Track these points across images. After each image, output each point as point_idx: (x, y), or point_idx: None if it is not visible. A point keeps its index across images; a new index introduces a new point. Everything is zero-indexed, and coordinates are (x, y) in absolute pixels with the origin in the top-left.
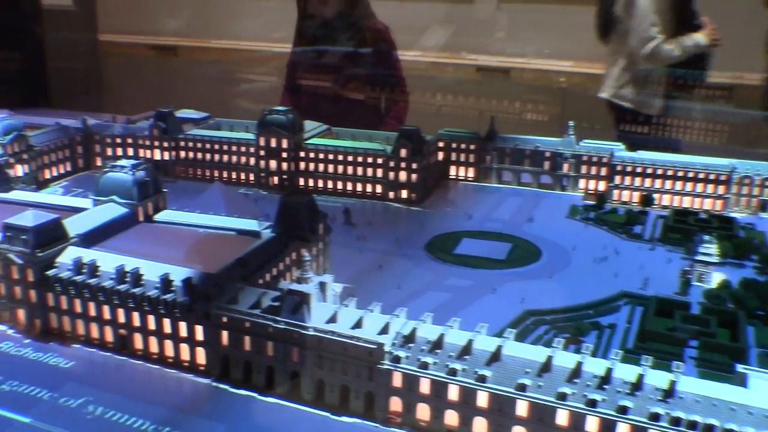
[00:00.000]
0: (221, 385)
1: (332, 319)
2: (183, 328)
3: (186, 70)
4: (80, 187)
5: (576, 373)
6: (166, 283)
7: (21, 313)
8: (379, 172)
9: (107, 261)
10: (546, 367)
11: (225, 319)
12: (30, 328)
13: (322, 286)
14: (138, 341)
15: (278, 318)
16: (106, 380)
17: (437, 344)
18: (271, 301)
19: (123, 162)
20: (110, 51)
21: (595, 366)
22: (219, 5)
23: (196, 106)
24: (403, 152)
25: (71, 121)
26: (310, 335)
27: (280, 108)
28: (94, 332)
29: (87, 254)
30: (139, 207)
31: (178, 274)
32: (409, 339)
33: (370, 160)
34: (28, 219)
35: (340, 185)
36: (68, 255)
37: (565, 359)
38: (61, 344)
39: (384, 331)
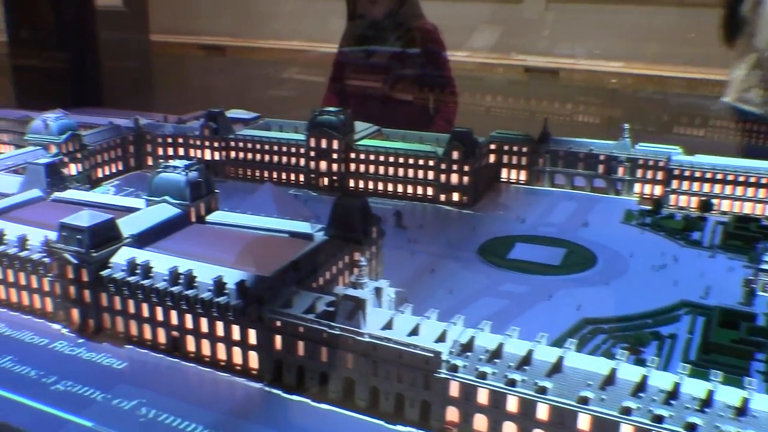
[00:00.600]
0: (274, 390)
1: (388, 326)
2: (236, 332)
3: (234, 69)
4: (131, 186)
5: (641, 386)
6: (219, 285)
7: (75, 313)
8: (431, 175)
9: (160, 262)
10: (609, 379)
11: (279, 324)
12: (83, 327)
13: (378, 291)
14: (190, 343)
15: (333, 323)
16: (159, 382)
17: (496, 354)
18: (325, 305)
19: (176, 162)
20: (160, 51)
21: (660, 380)
22: (267, 5)
23: (244, 106)
24: (455, 154)
25: (123, 121)
26: (366, 342)
27: (331, 109)
28: (147, 333)
29: (140, 255)
30: (191, 208)
31: (232, 277)
32: (466, 348)
33: (421, 162)
34: (83, 219)
35: (390, 187)
36: (122, 255)
37: (628, 372)
38: (113, 345)
39: (441, 339)
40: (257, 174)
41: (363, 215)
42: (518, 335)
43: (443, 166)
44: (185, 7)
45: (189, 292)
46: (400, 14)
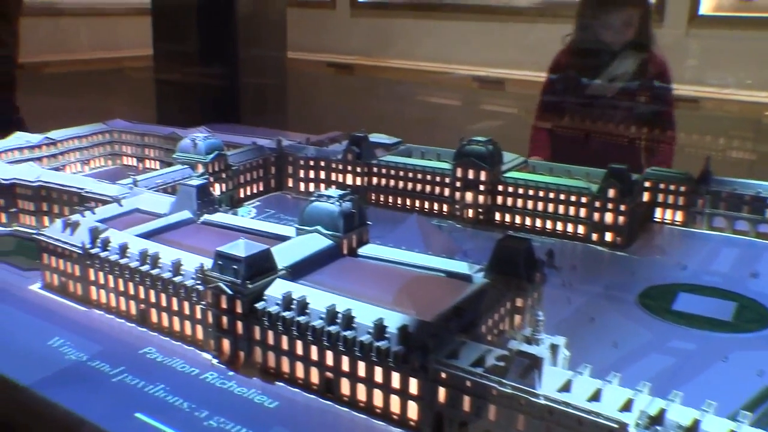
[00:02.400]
0: None
1: (565, 388)
2: (395, 379)
3: (363, 88)
4: (271, 207)
5: None
6: (379, 329)
7: (226, 344)
8: (582, 212)
9: (316, 298)
10: None
11: (444, 375)
12: (234, 360)
13: (553, 348)
14: (345, 386)
15: (504, 380)
16: (311, 426)
17: (690, 431)
18: (495, 360)
19: (329, 192)
20: (293, 68)
21: None
22: (401, 24)
23: (376, 128)
24: (612, 192)
25: (265, 141)
26: (541, 404)
27: (479, 138)
28: (299, 372)
29: (295, 289)
30: (343, 240)
31: (392, 320)
32: (655, 420)
33: (573, 198)
34: (240, 249)
35: (538, 223)
36: (276, 288)
37: None
38: (263, 380)
39: (626, 407)
40: (399, 202)
41: (527, 258)
42: (683, 400)
43: (597, 204)
44: (317, 24)
45: (347, 333)
46: (638, 43)
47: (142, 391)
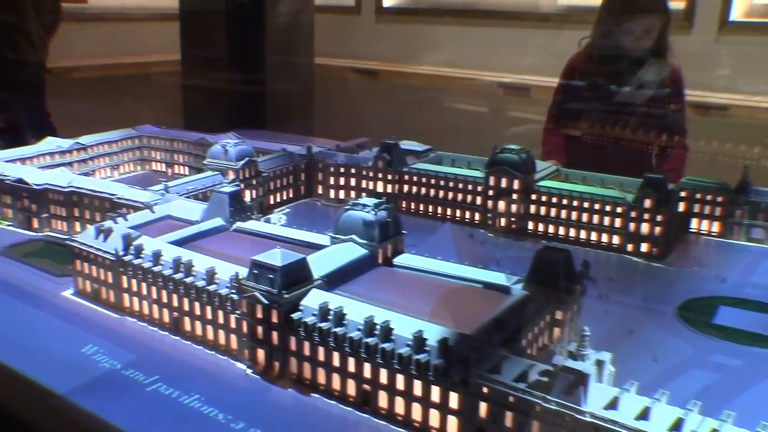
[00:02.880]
0: None
1: (612, 405)
2: (435, 393)
3: (388, 94)
4: (300, 214)
5: None
6: (418, 341)
7: (261, 354)
8: (617, 222)
9: (353, 309)
10: None
11: (486, 390)
12: (268, 370)
13: (599, 363)
14: (382, 399)
15: (549, 397)
16: None
17: None
18: (538, 375)
19: (364, 200)
20: (319, 73)
21: None
22: (428, 31)
23: (402, 134)
24: (648, 202)
25: (295, 147)
26: (587, 421)
27: (512, 146)
28: (335, 383)
29: (332, 299)
30: (378, 249)
31: (431, 332)
32: None
33: (608, 208)
34: (276, 258)
35: (571, 233)
36: (312, 298)
37: None
38: (298, 391)
39: (675, 427)
40: (430, 209)
41: (567, 270)
42: (734, 420)
43: (633, 214)
44: (342, 29)
45: (385, 345)
46: (657, 51)
47: (177, 401)
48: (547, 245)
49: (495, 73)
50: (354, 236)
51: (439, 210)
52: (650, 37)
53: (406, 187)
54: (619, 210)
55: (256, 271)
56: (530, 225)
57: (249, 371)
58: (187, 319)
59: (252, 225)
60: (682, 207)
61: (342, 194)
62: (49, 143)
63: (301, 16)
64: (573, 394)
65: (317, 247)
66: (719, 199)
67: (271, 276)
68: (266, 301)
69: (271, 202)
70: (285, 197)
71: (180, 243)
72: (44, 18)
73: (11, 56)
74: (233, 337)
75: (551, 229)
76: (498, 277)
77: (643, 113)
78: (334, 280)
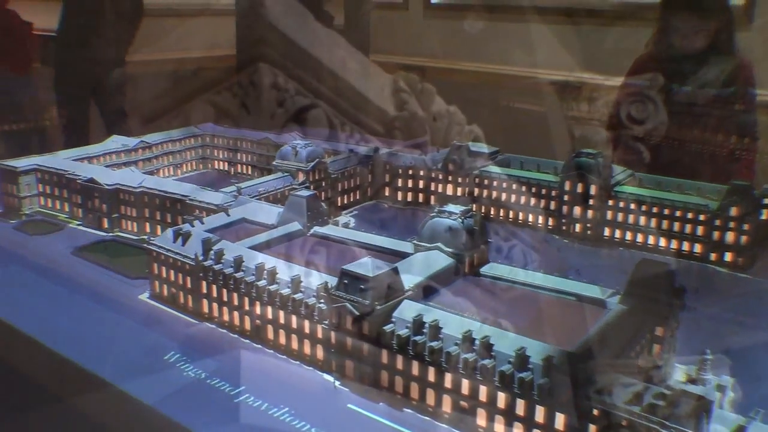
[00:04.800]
0: None
1: None
2: (539, 413)
3: (438, 92)
4: (369, 217)
5: None
6: (521, 359)
7: (350, 366)
8: (700, 230)
9: (448, 322)
10: None
11: (596, 412)
12: (359, 383)
13: (720, 388)
14: (481, 418)
15: (667, 423)
16: None
17: None
18: (653, 398)
19: (451, 207)
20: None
21: None
22: (474, 28)
23: (450, 132)
24: (734, 210)
25: (362, 148)
26: None
27: (589, 151)
28: (430, 399)
29: (424, 311)
30: (465, 258)
31: (534, 349)
32: None
33: (690, 215)
34: (367, 267)
35: (650, 240)
36: (405, 310)
37: None
38: (389, 406)
39: None
40: (501, 213)
41: (669, 284)
42: None
43: (718, 222)
44: (390, 25)
45: (485, 361)
46: (722, 48)
47: (267, 414)
48: (646, 258)
49: (544, 70)
50: (440, 244)
51: (511, 214)
52: (714, 35)
53: (476, 191)
54: (702, 217)
55: (346, 281)
56: (606, 231)
57: (337, 383)
58: (270, 328)
59: (329, 230)
60: (765, 215)
61: (410, 196)
62: (115, 141)
63: (359, 14)
64: (695, 421)
65: (401, 255)
66: None
67: (362, 286)
68: (357, 312)
69: (338, 203)
70: (352, 199)
71: (259, 248)
72: (126, 17)
73: (98, 56)
74: (319, 348)
75: (628, 236)
76: (592, 290)
77: (711, 113)
78: (423, 291)
